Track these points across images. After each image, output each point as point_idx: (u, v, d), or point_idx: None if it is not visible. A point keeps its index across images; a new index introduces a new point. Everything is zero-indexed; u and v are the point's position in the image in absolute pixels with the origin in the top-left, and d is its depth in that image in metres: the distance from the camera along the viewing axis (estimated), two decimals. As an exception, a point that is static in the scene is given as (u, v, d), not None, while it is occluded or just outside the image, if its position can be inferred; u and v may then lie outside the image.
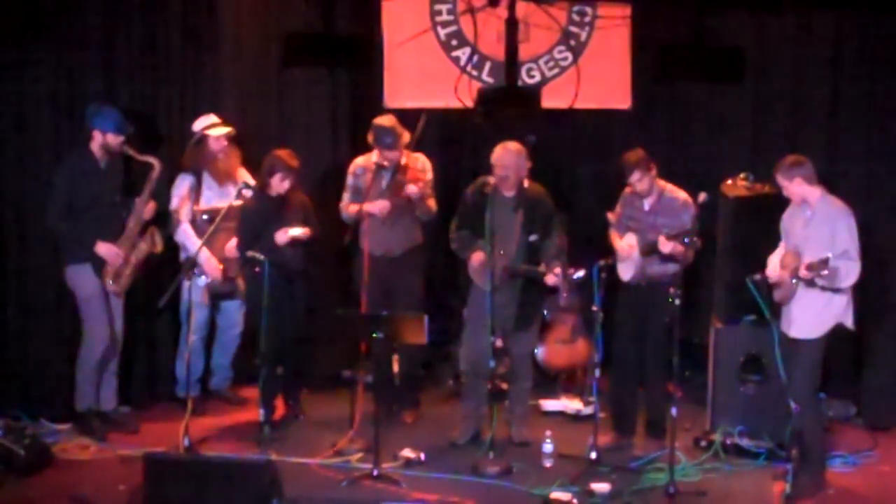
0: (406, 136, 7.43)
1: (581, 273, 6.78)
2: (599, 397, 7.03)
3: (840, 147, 7.98)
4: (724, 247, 7.39)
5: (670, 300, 6.48)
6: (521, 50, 8.13)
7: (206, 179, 7.64)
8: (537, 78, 8.58)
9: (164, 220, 7.52)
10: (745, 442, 7.03)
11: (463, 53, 8.62)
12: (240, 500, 5.80)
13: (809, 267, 6.12)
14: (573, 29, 8.61)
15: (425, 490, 6.43)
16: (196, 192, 7.61)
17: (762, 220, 6.97)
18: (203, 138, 7.63)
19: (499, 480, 6.62)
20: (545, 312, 7.89)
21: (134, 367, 7.79)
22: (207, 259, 7.53)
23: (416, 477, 6.64)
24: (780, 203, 6.66)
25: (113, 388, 7.44)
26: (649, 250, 6.91)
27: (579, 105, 8.25)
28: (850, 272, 6.24)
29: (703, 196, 6.61)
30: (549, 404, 7.91)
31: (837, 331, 6.40)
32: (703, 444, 7.11)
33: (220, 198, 7.58)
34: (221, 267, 7.59)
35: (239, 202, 7.38)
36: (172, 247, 7.61)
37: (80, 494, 6.31)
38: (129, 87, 7.75)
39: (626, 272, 7.09)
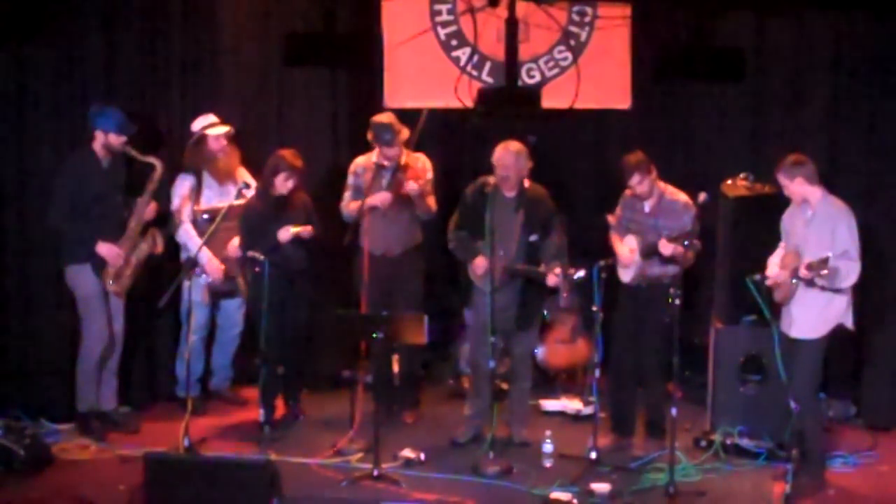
0: (405, 133, 7.42)
1: (581, 273, 6.76)
2: (599, 397, 7.03)
3: (840, 147, 7.98)
4: (724, 247, 7.39)
5: (670, 300, 6.48)
6: (521, 50, 8.13)
7: (206, 179, 7.64)
8: (537, 78, 8.58)
9: (164, 220, 7.52)
10: (745, 442, 7.03)
11: (463, 53, 8.62)
12: (240, 499, 5.79)
13: (809, 267, 6.11)
14: (573, 29, 8.61)
15: (425, 490, 6.43)
16: (196, 192, 7.61)
17: (762, 220, 6.97)
18: (202, 138, 7.63)
19: (499, 480, 6.62)
20: (545, 312, 7.89)
21: (134, 367, 7.79)
22: (209, 259, 7.54)
23: (416, 477, 6.64)
24: (780, 203, 6.67)
25: (113, 388, 7.43)
26: (649, 252, 6.91)
27: (579, 105, 8.23)
28: (850, 272, 6.24)
29: (702, 196, 6.61)
30: (549, 404, 7.91)
31: (837, 331, 6.41)
32: (703, 444, 7.11)
33: (220, 197, 7.58)
34: (223, 267, 7.60)
35: (239, 202, 7.39)
36: (173, 247, 7.61)
37: (80, 494, 6.30)
38: (129, 87, 7.75)
39: (626, 274, 7.09)
